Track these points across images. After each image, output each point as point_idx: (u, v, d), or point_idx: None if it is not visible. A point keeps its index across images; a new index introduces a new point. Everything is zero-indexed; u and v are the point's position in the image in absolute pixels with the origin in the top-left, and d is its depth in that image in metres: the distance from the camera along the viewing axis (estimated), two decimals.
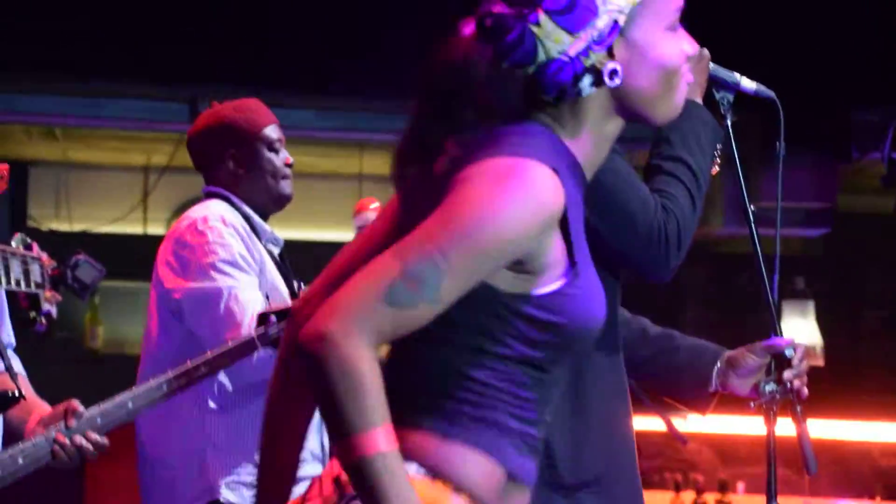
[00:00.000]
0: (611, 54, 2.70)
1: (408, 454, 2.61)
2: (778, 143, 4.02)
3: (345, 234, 5.32)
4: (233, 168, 5.32)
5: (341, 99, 7.68)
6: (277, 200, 5.39)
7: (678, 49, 2.84)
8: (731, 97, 3.98)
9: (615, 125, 2.84)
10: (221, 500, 5.08)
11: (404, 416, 2.64)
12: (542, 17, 2.66)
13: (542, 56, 2.66)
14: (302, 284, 5.24)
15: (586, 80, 2.71)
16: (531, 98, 2.71)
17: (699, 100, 3.85)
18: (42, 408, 4.42)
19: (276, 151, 5.34)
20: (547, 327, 2.64)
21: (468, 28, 2.73)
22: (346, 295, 2.50)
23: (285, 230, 5.78)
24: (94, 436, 4.36)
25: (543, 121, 2.73)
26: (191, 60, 6.64)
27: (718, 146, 3.92)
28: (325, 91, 7.65)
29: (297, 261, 5.54)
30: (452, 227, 2.52)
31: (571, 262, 2.67)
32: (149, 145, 8.53)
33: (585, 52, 2.68)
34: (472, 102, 2.67)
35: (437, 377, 2.70)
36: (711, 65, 3.91)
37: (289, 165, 5.39)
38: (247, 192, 5.36)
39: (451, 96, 2.69)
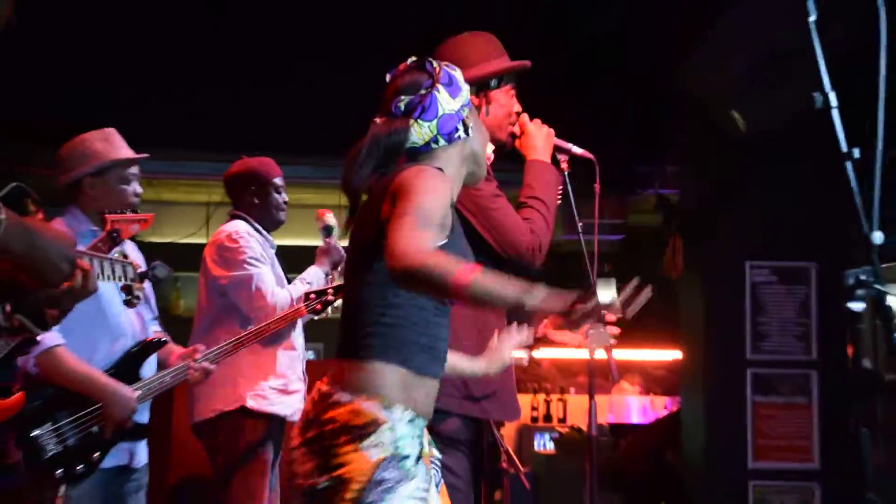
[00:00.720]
0: (468, 118, 2.88)
1: (345, 383, 2.66)
2: (595, 185, 4.07)
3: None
4: (252, 200, 5.30)
5: (328, 158, 7.63)
6: (276, 224, 5.37)
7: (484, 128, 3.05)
8: (566, 157, 4.04)
9: (463, 171, 2.94)
10: (247, 405, 5.04)
11: (350, 347, 2.72)
12: (440, 87, 2.82)
13: (440, 111, 2.80)
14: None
15: (461, 129, 2.85)
16: (426, 148, 2.84)
17: (548, 159, 3.94)
18: (177, 349, 4.59)
19: (280, 193, 5.33)
20: None
21: (381, 114, 2.86)
22: (395, 240, 2.47)
23: (285, 239, 5.78)
24: (210, 364, 4.60)
25: (426, 164, 2.81)
26: (236, 135, 6.62)
27: (560, 187, 3.98)
28: (317, 153, 7.63)
29: (290, 257, 5.56)
30: (411, 204, 2.57)
31: (453, 226, 2.80)
32: (210, 189, 8.55)
33: (461, 108, 2.85)
34: (396, 154, 2.82)
35: (371, 307, 2.71)
36: (555, 138, 3.98)
37: (285, 202, 5.39)
38: (258, 216, 5.30)
39: (387, 152, 2.80)
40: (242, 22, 7.18)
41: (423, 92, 2.81)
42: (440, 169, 2.78)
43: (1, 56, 2.56)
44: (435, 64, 2.87)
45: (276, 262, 5.27)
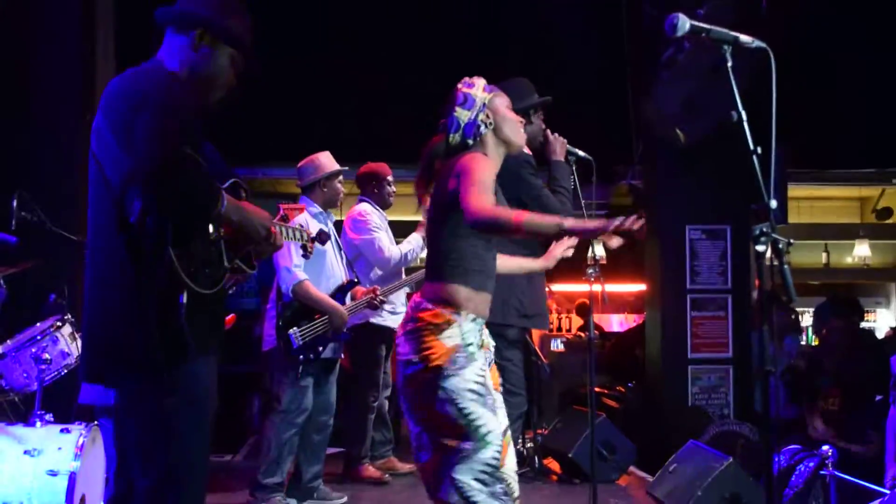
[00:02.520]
0: (487, 116, 2.76)
1: (430, 296, 2.65)
2: (593, 178, 4.05)
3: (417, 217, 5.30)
4: (373, 189, 5.32)
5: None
6: (387, 205, 5.40)
7: (512, 115, 2.85)
8: (573, 158, 4.03)
9: (500, 150, 2.83)
10: (370, 321, 5.09)
11: (433, 273, 2.70)
12: (457, 108, 2.75)
13: (461, 123, 2.74)
14: None
15: (482, 128, 2.75)
16: (465, 144, 2.75)
17: (562, 159, 3.92)
18: (360, 288, 4.74)
19: (390, 185, 5.35)
20: None
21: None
22: (467, 201, 2.52)
23: (395, 216, 5.75)
24: (386, 297, 4.79)
25: (477, 150, 2.74)
26: (363, 152, 6.55)
27: (571, 177, 4.00)
28: (414, 162, 7.56)
29: (398, 227, 5.52)
30: (471, 179, 2.57)
31: (496, 192, 2.69)
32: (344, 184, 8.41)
33: (476, 115, 2.75)
34: (447, 154, 2.76)
35: (445, 249, 2.69)
36: (567, 145, 3.97)
37: (394, 191, 5.39)
38: (377, 200, 5.32)
39: (437, 155, 2.77)
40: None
41: (449, 114, 2.79)
42: (484, 153, 2.75)
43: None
44: (458, 88, 2.81)
45: (388, 230, 5.28)
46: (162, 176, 2.09)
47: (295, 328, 4.31)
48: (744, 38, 2.29)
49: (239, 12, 2.51)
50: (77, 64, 5.43)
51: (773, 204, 2.20)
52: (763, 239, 2.16)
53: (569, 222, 2.50)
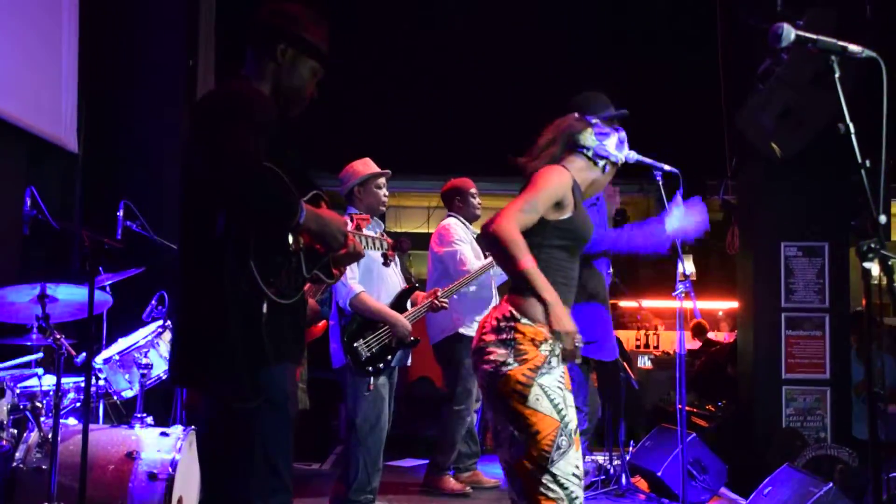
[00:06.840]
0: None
1: (522, 310, 2.64)
2: (678, 192, 3.96)
3: None
4: (457, 204, 5.36)
5: (501, 178, 7.62)
6: (474, 218, 5.40)
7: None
8: (660, 173, 3.92)
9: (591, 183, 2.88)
10: (460, 331, 5.09)
11: (518, 285, 2.67)
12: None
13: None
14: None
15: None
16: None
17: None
18: (420, 293, 4.63)
19: (475, 198, 5.36)
20: (567, 231, 2.69)
21: None
22: (504, 212, 2.57)
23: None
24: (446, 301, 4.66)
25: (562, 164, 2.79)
26: (447, 162, 6.58)
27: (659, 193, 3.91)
28: (497, 174, 7.56)
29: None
30: (526, 194, 2.64)
31: (576, 205, 2.73)
32: (429, 198, 8.49)
33: None
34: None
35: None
36: (651, 159, 3.88)
37: (479, 204, 5.41)
38: (463, 214, 5.35)
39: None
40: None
41: None
42: (565, 167, 2.80)
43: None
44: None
45: (474, 242, 5.28)
46: (239, 187, 2.13)
47: (360, 340, 4.24)
48: (852, 47, 2.20)
49: (318, 24, 2.55)
50: (181, 76, 5.64)
51: (883, 219, 2.11)
52: (871, 256, 2.07)
53: (555, 308, 2.52)
